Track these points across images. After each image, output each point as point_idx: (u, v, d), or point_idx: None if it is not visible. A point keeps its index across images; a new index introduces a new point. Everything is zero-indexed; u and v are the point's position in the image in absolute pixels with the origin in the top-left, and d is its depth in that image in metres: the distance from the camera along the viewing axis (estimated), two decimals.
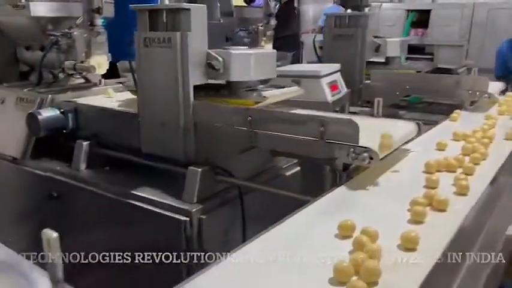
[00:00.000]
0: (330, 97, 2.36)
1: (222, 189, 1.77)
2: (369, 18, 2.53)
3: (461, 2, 6.93)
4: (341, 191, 1.36)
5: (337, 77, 2.40)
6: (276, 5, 2.73)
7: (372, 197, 1.32)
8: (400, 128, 1.71)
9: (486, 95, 2.34)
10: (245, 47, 1.81)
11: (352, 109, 2.59)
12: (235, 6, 2.81)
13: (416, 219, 1.15)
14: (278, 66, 2.83)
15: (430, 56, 7.18)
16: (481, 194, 1.33)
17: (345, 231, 1.07)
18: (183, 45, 1.57)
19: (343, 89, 2.45)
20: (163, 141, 1.69)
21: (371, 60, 2.82)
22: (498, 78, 3.38)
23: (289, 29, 3.96)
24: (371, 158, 1.34)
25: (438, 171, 1.49)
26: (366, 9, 2.73)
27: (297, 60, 3.22)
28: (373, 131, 1.51)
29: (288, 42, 3.83)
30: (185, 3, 1.60)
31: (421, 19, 7.21)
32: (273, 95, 1.81)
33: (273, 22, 2.92)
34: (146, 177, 1.87)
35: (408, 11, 7.23)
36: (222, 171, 1.71)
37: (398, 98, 2.61)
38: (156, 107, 1.72)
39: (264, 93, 1.77)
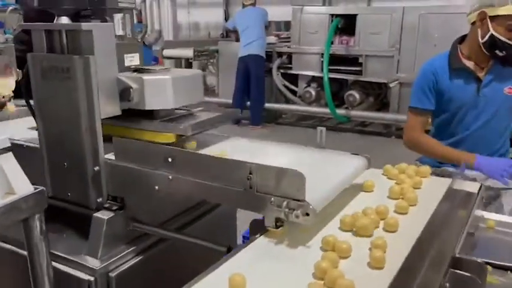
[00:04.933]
0: None
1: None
2: (92, 36, 1.16)
3: (391, 5, 5.71)
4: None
5: None
6: None
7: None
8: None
9: (298, 212, 1.01)
10: None
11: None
12: None
13: None
14: None
15: (358, 68, 5.93)
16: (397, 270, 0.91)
17: None
18: None
19: None
20: None
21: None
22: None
23: None
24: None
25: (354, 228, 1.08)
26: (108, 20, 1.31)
27: None
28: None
29: None
30: None
31: (348, 25, 5.95)
32: None
33: None
34: None
35: (332, 15, 5.95)
36: None
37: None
38: None
39: None
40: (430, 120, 2.20)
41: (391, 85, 5.65)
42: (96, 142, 1.26)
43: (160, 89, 1.29)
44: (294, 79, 6.52)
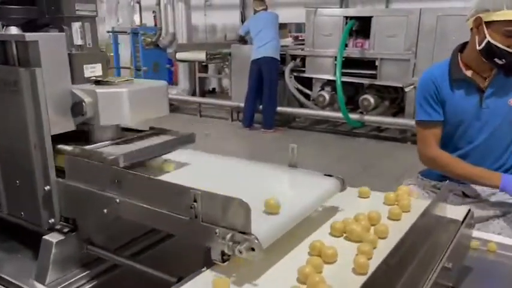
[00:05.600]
0: None
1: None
2: (38, 47, 1.08)
3: (407, 7, 5.49)
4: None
5: None
6: None
7: None
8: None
9: (241, 247, 0.90)
10: None
11: None
12: None
13: None
14: None
15: (373, 72, 5.74)
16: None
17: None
18: None
19: None
20: None
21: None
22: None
23: None
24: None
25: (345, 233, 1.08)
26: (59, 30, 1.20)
27: None
28: None
29: None
30: None
31: (363, 28, 5.77)
32: None
33: None
34: None
35: (346, 18, 5.77)
36: None
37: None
38: None
39: None
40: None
41: (406, 89, 5.43)
42: (46, 160, 1.18)
43: (115, 103, 1.20)
44: (308, 82, 6.38)
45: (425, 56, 5.18)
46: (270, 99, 6.03)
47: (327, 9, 5.97)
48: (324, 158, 5.16)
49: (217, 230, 0.92)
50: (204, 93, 8.35)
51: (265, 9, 6.11)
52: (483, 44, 1.72)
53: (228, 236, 0.90)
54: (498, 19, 1.65)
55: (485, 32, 1.69)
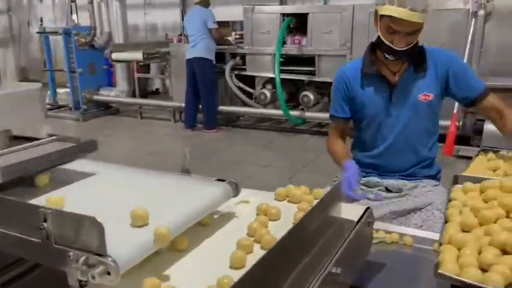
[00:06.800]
0: None
1: None
2: None
3: (343, 4, 5.54)
4: None
5: None
6: None
7: None
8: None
9: (94, 272, 0.82)
10: None
11: None
12: None
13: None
14: None
15: (311, 68, 5.75)
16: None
17: None
18: None
19: None
20: None
21: None
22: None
23: None
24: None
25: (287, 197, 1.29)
26: None
27: None
28: None
29: None
30: None
31: (300, 25, 5.76)
32: None
33: None
34: None
35: (284, 15, 5.74)
36: None
37: None
38: None
39: None
40: (350, 126, 2.06)
41: None
42: None
43: None
44: (250, 81, 6.31)
45: (360, 51, 5.11)
46: (207, 99, 5.88)
47: (264, 7, 5.91)
48: (266, 156, 5.11)
49: (70, 253, 0.80)
50: (146, 94, 8.08)
51: (201, 3, 5.85)
52: (375, 39, 1.70)
53: (82, 259, 0.78)
54: (382, 13, 1.63)
55: (378, 26, 1.68)
